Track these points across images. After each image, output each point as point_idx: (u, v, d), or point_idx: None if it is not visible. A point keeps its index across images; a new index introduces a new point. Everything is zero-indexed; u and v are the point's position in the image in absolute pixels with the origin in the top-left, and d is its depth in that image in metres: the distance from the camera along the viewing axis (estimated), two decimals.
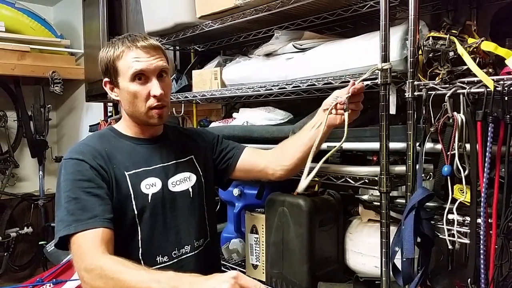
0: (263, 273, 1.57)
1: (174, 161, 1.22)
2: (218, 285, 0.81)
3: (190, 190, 1.22)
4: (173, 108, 2.26)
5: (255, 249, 1.60)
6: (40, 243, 3.25)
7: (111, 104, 3.03)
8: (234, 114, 1.85)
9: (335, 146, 1.31)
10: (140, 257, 1.13)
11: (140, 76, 1.14)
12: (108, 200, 1.08)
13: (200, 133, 1.40)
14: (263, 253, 1.57)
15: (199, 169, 1.27)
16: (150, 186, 1.15)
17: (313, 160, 1.44)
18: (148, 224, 1.14)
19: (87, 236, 1.01)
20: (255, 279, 1.59)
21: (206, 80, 1.88)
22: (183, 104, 2.20)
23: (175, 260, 1.18)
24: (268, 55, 1.62)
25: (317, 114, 1.23)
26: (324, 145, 1.31)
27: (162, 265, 1.16)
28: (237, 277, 0.82)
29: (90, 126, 3.06)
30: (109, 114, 3.07)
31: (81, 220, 1.02)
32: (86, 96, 3.07)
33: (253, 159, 1.34)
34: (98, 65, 1.23)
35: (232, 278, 0.81)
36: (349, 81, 1.25)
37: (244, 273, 1.66)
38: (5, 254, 3.34)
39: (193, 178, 1.24)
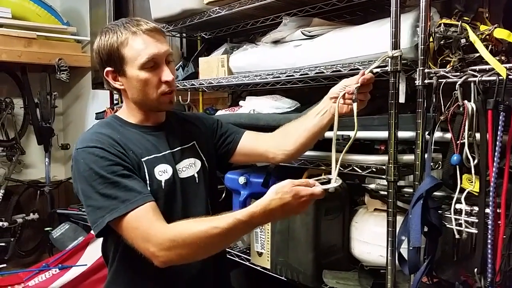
0: (268, 260, 1.57)
1: (180, 147, 1.21)
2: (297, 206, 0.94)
3: (196, 175, 1.22)
4: (179, 96, 2.26)
5: (260, 237, 1.60)
6: (46, 229, 3.28)
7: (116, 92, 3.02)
8: (241, 102, 1.84)
9: (343, 135, 1.32)
10: None
11: (151, 63, 1.10)
12: (140, 179, 1.08)
13: (201, 118, 1.38)
14: (268, 241, 1.57)
15: (201, 155, 1.26)
16: (163, 172, 1.14)
17: (319, 149, 1.44)
18: (161, 211, 1.14)
19: (140, 214, 1.00)
20: (259, 266, 1.61)
21: (213, 68, 1.87)
22: (189, 92, 2.19)
23: None
24: (276, 42, 1.60)
25: (323, 101, 1.21)
26: (330, 133, 1.30)
27: None
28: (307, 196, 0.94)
29: (96, 113, 3.06)
30: (115, 102, 3.07)
31: (129, 200, 1.00)
32: (92, 83, 3.07)
33: (253, 143, 1.33)
34: (95, 54, 1.15)
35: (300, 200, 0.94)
36: (358, 69, 1.24)
37: (249, 260, 1.67)
38: (12, 239, 3.37)
39: (198, 163, 1.23)
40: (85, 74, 3.58)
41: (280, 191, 0.94)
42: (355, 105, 1.08)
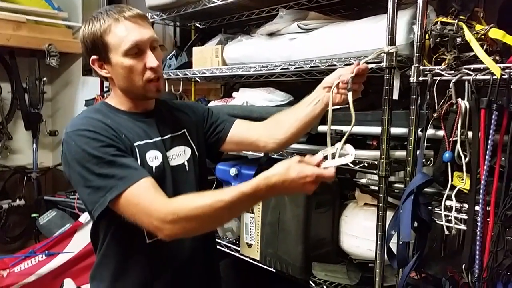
0: (258, 252, 1.58)
1: (170, 135, 1.21)
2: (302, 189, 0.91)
3: (186, 164, 1.21)
4: (171, 86, 2.24)
5: (250, 228, 1.61)
6: (32, 215, 3.24)
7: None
8: (234, 94, 1.83)
9: (336, 130, 1.32)
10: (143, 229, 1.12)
11: (135, 50, 1.09)
12: (134, 159, 1.07)
13: (191, 106, 1.37)
14: (258, 232, 1.57)
15: (192, 143, 1.26)
16: (154, 159, 1.13)
17: (308, 142, 1.45)
18: None
19: (140, 189, 0.98)
20: (249, 257, 1.62)
21: (206, 58, 1.86)
22: (181, 82, 2.18)
23: None
24: (271, 34, 1.60)
25: (316, 90, 1.20)
26: (323, 127, 1.31)
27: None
28: (315, 175, 0.90)
29: (86, 100, 3.01)
30: (105, 89, 3.04)
31: (127, 177, 0.99)
32: (82, 70, 3.03)
33: (244, 132, 1.32)
34: (81, 43, 1.14)
35: (310, 177, 0.90)
36: (353, 64, 1.24)
37: (238, 251, 1.68)
38: None
39: (188, 151, 1.23)
40: (75, 61, 3.52)
41: (286, 166, 0.92)
42: (350, 94, 1.07)
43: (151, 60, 1.10)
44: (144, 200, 0.98)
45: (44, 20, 3.38)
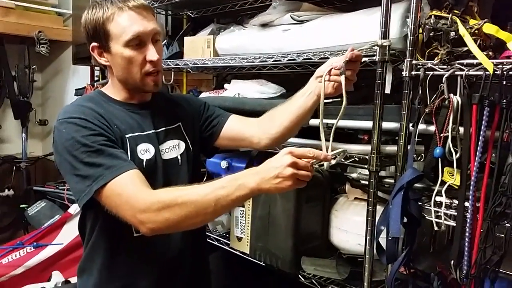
0: (247, 245, 1.57)
1: (164, 128, 1.19)
2: (280, 162, 0.89)
3: (179, 157, 1.20)
4: (163, 76, 2.21)
5: (241, 222, 1.60)
6: (21, 206, 3.21)
7: (98, 68, 2.95)
8: (226, 85, 1.81)
9: (327, 124, 1.30)
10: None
11: (136, 41, 1.07)
12: (123, 151, 1.05)
13: (188, 99, 1.36)
14: (248, 226, 1.56)
15: (186, 137, 1.24)
16: (145, 151, 1.11)
17: (303, 136, 1.43)
18: None
19: (125, 180, 0.97)
20: (238, 251, 1.61)
21: (198, 48, 1.83)
22: (173, 72, 2.15)
23: None
24: (264, 25, 1.57)
25: (309, 82, 1.18)
26: (315, 121, 1.29)
27: None
28: (291, 151, 0.89)
29: (76, 89, 2.98)
30: (95, 78, 3.00)
31: (114, 166, 0.98)
32: (73, 58, 2.97)
33: (238, 127, 1.30)
34: (82, 28, 1.13)
35: (289, 154, 0.89)
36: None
37: (228, 245, 1.67)
38: None
39: (182, 145, 1.22)
40: (65, 49, 3.47)
41: (277, 159, 0.90)
42: (342, 78, 1.05)
43: (151, 53, 1.09)
44: (128, 190, 0.97)
45: (33, 7, 3.32)
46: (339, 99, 1.07)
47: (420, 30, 1.10)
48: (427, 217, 1.10)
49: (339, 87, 1.06)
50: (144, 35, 1.08)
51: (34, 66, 3.50)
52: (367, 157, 1.20)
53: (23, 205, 3.15)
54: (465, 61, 1.02)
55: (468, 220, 0.98)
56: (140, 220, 0.95)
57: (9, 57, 3.45)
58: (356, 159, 1.26)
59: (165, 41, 2.07)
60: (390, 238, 1.08)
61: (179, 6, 2.01)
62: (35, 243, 2.45)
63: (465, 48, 1.02)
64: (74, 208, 2.51)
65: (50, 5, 3.43)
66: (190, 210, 0.93)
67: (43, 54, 3.28)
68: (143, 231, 0.97)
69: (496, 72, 0.94)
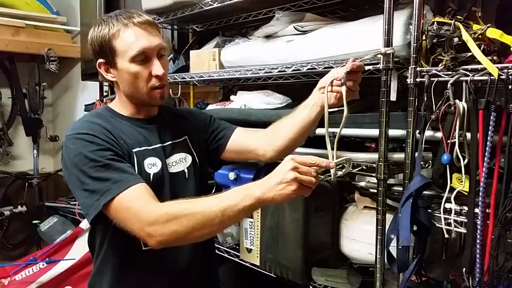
0: (257, 257, 1.57)
1: (171, 142, 1.20)
2: (284, 172, 0.89)
3: (186, 171, 1.20)
4: (170, 90, 2.23)
5: (250, 233, 1.59)
6: (33, 222, 3.23)
7: (107, 83, 2.99)
8: (232, 97, 1.83)
9: (334, 133, 1.30)
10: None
11: (142, 56, 1.09)
12: (131, 165, 1.06)
13: (194, 113, 1.37)
14: (257, 237, 1.56)
15: (193, 150, 1.25)
16: (152, 165, 1.12)
17: (308, 145, 1.43)
18: None
19: (132, 194, 0.98)
20: (248, 263, 1.60)
21: (204, 61, 1.85)
22: (180, 86, 2.17)
23: None
24: (268, 37, 1.58)
25: (312, 93, 1.19)
26: (321, 130, 1.29)
27: None
28: (293, 158, 0.90)
29: (85, 105, 3.02)
30: (104, 93, 3.03)
31: (122, 181, 0.98)
32: (82, 74, 3.02)
33: (244, 140, 1.31)
34: (89, 45, 1.15)
35: (290, 160, 0.90)
36: None
37: (238, 257, 1.67)
38: None
39: (189, 159, 1.22)
40: (74, 65, 3.52)
41: (281, 169, 0.91)
42: (343, 88, 1.06)
43: (157, 68, 1.10)
44: (136, 204, 0.97)
45: (43, 25, 3.39)
46: (342, 107, 1.07)
47: (424, 37, 1.10)
48: (437, 225, 1.09)
49: (342, 98, 1.07)
50: (149, 50, 1.09)
51: (44, 83, 3.56)
52: (375, 165, 1.19)
53: (36, 221, 3.19)
54: (469, 67, 1.02)
55: (478, 227, 0.97)
56: (148, 233, 0.95)
57: (20, 75, 3.51)
58: (364, 167, 1.25)
59: (171, 55, 2.09)
60: (400, 247, 1.07)
61: (184, 20, 2.03)
62: (47, 258, 2.46)
63: (470, 54, 1.02)
64: (86, 223, 2.52)
65: (58, 22, 3.50)
66: (197, 222, 0.93)
67: (53, 71, 3.34)
68: (151, 244, 0.97)
69: (501, 77, 0.94)
